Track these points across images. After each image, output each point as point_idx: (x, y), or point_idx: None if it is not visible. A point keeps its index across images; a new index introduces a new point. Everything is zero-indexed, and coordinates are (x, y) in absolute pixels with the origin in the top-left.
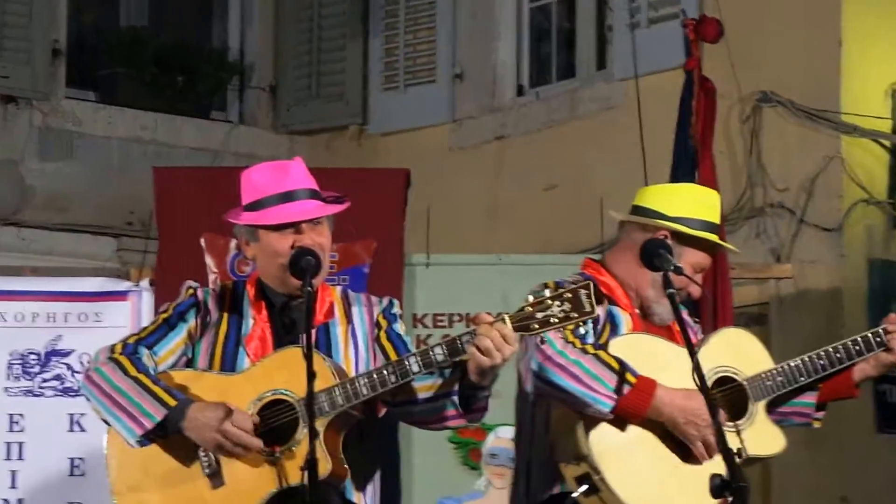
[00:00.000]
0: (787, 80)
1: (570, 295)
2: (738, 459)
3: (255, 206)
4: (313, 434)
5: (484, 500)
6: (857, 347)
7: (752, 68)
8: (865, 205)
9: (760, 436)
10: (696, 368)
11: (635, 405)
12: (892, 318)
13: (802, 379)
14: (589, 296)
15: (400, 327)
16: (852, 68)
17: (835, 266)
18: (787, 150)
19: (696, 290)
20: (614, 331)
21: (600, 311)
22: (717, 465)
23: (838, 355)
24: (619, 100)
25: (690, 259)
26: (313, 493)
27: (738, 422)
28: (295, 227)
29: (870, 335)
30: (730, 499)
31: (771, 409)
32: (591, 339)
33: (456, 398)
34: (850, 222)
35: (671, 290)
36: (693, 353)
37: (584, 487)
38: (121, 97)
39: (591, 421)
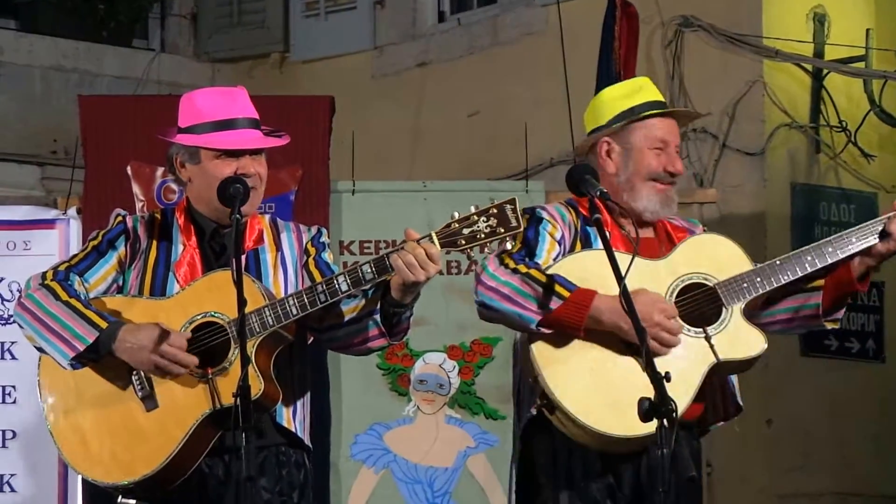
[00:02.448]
0: (709, 5)
1: (495, 210)
2: (666, 382)
3: (196, 129)
4: (245, 360)
5: (413, 426)
6: (858, 234)
7: None
8: (788, 129)
9: (736, 339)
10: (624, 293)
11: (569, 317)
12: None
13: (785, 277)
14: (514, 210)
15: (328, 256)
16: None
17: (758, 190)
18: (709, 75)
19: (679, 166)
20: (587, 246)
21: (570, 224)
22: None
23: (829, 249)
24: (541, 25)
25: (643, 139)
26: (245, 419)
27: (709, 327)
28: (238, 154)
29: (868, 223)
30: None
31: (768, 323)
32: (542, 258)
33: (378, 317)
34: (773, 146)
35: (597, 216)
36: (621, 279)
37: (544, 402)
38: (42, 25)
39: (535, 341)
